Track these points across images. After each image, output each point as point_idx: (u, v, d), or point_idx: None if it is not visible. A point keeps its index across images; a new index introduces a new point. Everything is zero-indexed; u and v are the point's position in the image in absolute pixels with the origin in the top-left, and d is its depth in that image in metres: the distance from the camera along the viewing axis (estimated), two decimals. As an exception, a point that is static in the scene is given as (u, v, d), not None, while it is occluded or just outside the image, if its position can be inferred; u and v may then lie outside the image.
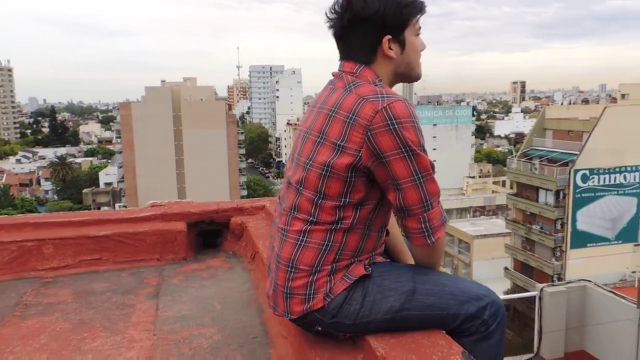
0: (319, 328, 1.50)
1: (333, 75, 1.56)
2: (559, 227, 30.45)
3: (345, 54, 1.53)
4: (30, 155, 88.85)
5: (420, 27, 1.55)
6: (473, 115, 70.25)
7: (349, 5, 1.47)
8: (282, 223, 1.53)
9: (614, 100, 38.27)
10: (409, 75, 1.57)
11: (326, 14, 1.51)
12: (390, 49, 1.50)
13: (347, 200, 1.44)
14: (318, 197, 1.45)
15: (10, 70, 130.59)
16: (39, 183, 73.89)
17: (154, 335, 1.97)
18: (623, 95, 34.48)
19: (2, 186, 61.85)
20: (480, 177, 57.55)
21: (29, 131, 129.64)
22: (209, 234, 3.11)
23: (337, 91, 1.48)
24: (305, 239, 1.47)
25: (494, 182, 54.33)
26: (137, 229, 2.84)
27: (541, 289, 6.99)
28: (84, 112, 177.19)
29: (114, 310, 2.24)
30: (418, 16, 1.54)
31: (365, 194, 1.45)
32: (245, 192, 52.22)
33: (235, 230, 2.98)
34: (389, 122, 1.36)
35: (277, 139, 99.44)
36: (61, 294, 2.46)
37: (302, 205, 1.48)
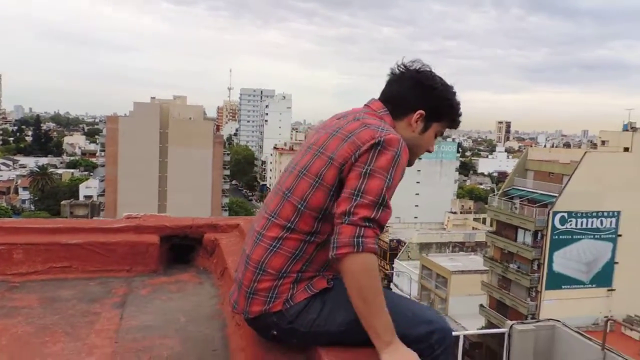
0: (275, 332, 1.56)
1: (352, 110, 1.70)
2: (535, 267, 30.75)
3: (382, 99, 1.69)
4: (10, 163, 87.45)
5: (442, 135, 1.74)
6: (458, 152, 71.40)
7: (419, 69, 1.67)
8: (259, 226, 1.60)
9: (594, 146, 39.20)
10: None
11: (397, 63, 1.69)
12: (416, 123, 1.66)
13: (327, 214, 1.51)
14: (302, 205, 1.52)
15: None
16: (16, 192, 72.54)
17: (115, 343, 1.99)
18: (603, 142, 35.38)
19: (-22, 192, 60.49)
20: (461, 213, 58.08)
21: (11, 139, 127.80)
22: (182, 248, 3.14)
23: (346, 119, 1.61)
24: (278, 245, 1.54)
25: (475, 219, 54.86)
26: (109, 239, 2.86)
27: (511, 326, 7.05)
28: (69, 124, 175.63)
29: (78, 317, 2.25)
30: (448, 122, 1.71)
31: None
32: (227, 214, 51.86)
33: (208, 246, 3.02)
34: (375, 145, 1.47)
35: (263, 163, 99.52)
36: (27, 298, 2.46)
37: (284, 211, 1.55)
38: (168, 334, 2.09)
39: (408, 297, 2.22)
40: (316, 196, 1.50)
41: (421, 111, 1.64)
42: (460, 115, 1.71)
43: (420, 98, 1.64)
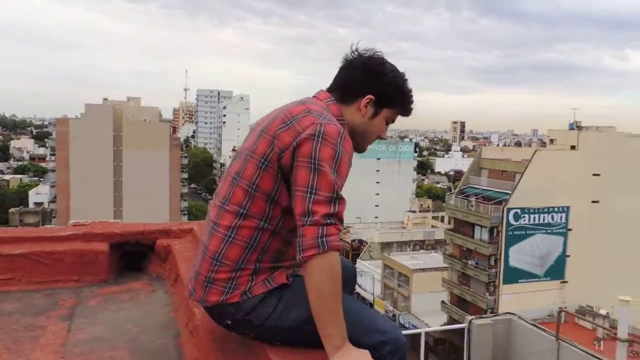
0: (229, 322, 1.57)
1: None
2: (492, 262, 31.66)
3: (332, 86, 1.69)
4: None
5: (393, 121, 1.71)
6: (415, 152, 72.71)
7: (371, 56, 1.66)
8: (213, 216, 1.59)
9: (543, 144, 40.76)
10: (356, 141, 1.64)
11: (352, 49, 1.67)
12: (365, 108, 1.64)
13: (276, 198, 1.51)
14: (251, 188, 1.52)
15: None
16: (-40, 199, 68.77)
17: (61, 358, 1.89)
18: (552, 140, 36.84)
19: None
20: (420, 211, 59.16)
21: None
22: (134, 256, 3.03)
23: (292, 103, 1.61)
24: (233, 234, 1.53)
25: (434, 217, 55.97)
26: (55, 248, 2.73)
27: (470, 321, 7.21)
28: (16, 127, 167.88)
29: (21, 332, 2.13)
30: (399, 109, 1.69)
31: (290, 201, 1.50)
32: (186, 218, 50.86)
33: (161, 252, 2.93)
34: (316, 134, 1.45)
35: (222, 165, 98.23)
36: (-36, 314, 2.31)
37: (235, 196, 1.54)
38: (118, 346, 2.00)
39: (366, 305, 2.17)
40: (264, 179, 1.50)
41: (370, 96, 1.64)
42: (411, 102, 1.70)
43: (370, 83, 1.64)
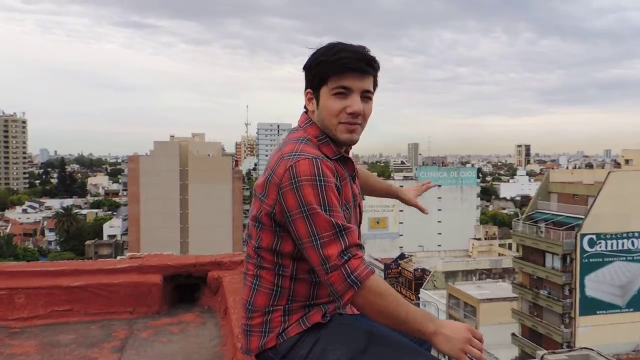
0: None
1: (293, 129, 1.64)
2: (567, 292, 29.72)
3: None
4: (36, 205, 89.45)
5: (342, 87, 1.47)
6: (478, 177, 70.56)
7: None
8: (244, 268, 1.63)
9: (618, 165, 38.43)
10: (330, 135, 1.52)
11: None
12: (310, 103, 1.55)
13: (279, 250, 1.49)
14: (257, 247, 1.53)
15: (24, 122, 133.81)
16: (43, 233, 73.91)
17: (108, 392, 1.89)
18: (627, 161, 34.67)
19: (4, 235, 61.83)
20: (486, 239, 56.95)
21: (37, 181, 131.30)
22: (187, 287, 3.06)
23: (275, 148, 1.56)
24: (258, 282, 1.54)
25: (500, 245, 53.66)
26: (111, 280, 2.79)
27: (541, 357, 6.72)
28: (93, 164, 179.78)
29: (74, 363, 2.17)
30: (332, 75, 1.47)
31: (295, 247, 1.46)
32: (248, 248, 51.78)
33: (212, 284, 2.93)
34: (292, 180, 1.39)
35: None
36: (26, 345, 2.39)
37: (250, 253, 1.58)
38: (164, 380, 1.98)
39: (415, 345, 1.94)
40: (263, 238, 1.50)
41: (308, 90, 1.54)
42: (332, 58, 1.46)
43: (306, 80, 1.54)
